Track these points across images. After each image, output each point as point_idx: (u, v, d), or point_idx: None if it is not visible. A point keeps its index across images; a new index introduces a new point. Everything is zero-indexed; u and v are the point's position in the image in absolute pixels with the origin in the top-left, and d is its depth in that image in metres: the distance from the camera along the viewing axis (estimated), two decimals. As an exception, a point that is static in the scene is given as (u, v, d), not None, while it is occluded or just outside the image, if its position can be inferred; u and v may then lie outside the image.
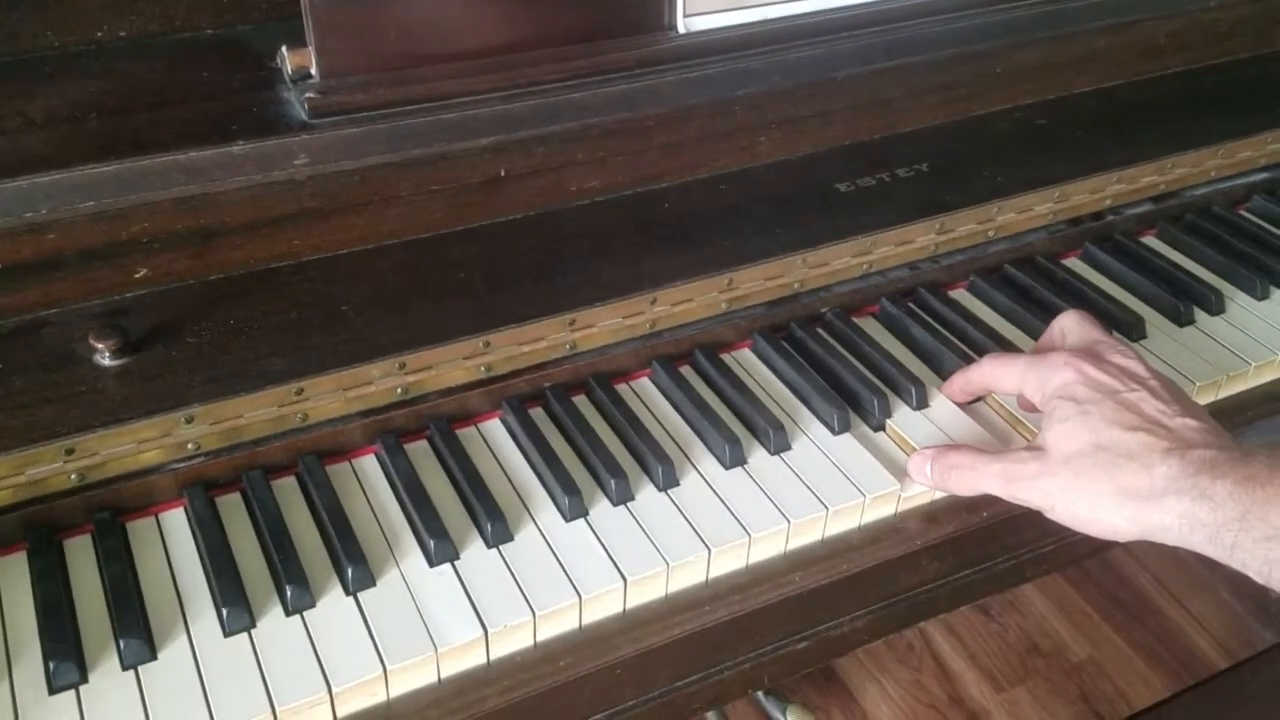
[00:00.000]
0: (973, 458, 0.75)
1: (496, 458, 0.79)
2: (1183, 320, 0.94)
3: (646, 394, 0.85)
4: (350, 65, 0.79)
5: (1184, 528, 0.66)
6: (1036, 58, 1.03)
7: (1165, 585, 1.77)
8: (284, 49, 0.79)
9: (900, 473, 0.78)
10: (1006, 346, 0.89)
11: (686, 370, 0.86)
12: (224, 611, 0.66)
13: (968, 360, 0.86)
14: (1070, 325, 0.81)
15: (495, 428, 0.81)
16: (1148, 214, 1.05)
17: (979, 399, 0.86)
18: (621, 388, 0.84)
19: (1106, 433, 0.70)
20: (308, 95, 0.78)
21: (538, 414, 0.81)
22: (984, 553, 0.83)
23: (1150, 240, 1.05)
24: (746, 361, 0.88)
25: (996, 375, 0.80)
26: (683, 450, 0.80)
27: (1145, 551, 1.79)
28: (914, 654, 1.65)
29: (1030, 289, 0.97)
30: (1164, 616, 1.73)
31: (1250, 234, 1.05)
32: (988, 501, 0.79)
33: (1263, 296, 0.98)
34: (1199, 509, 0.66)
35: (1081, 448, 0.70)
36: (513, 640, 0.68)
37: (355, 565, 0.68)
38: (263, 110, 0.79)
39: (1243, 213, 1.10)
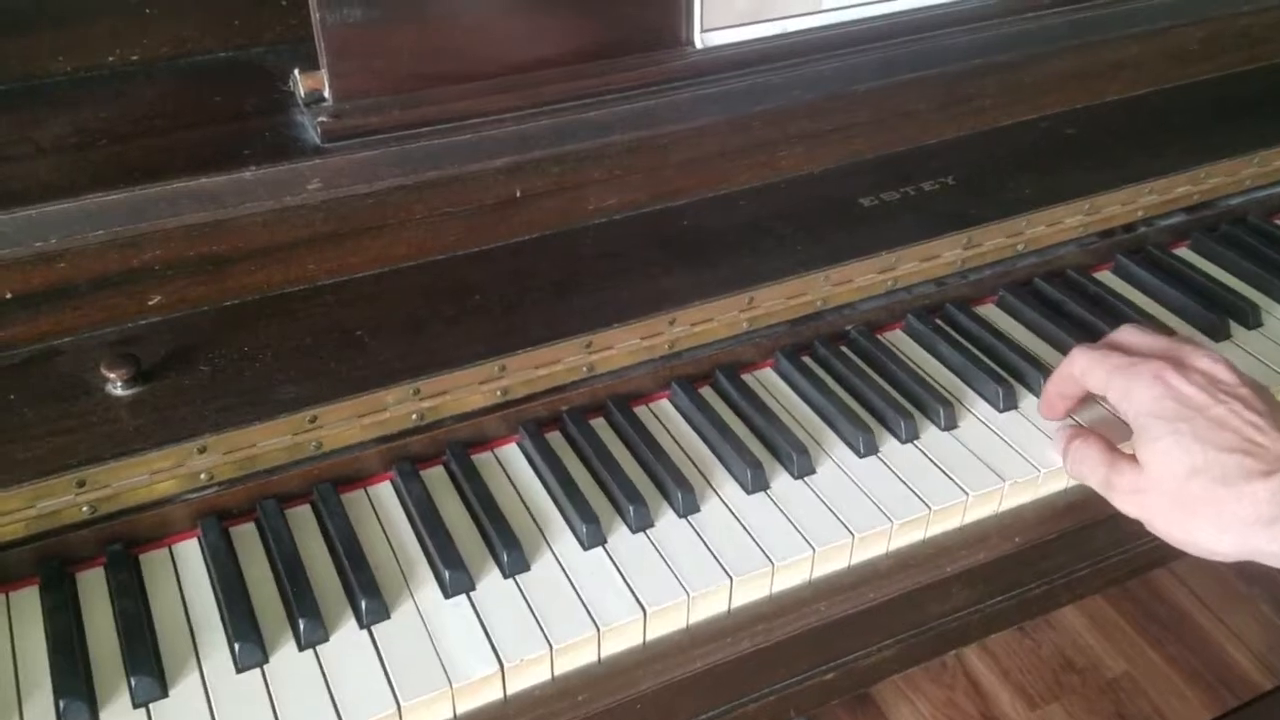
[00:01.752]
0: (1089, 454, 0.74)
1: (513, 483, 0.77)
2: (1218, 335, 0.92)
3: (666, 416, 0.83)
4: (363, 87, 0.78)
5: None
6: (1065, 67, 1.01)
7: (1203, 600, 1.73)
8: (297, 72, 0.78)
9: (926, 496, 0.76)
10: (1037, 363, 0.87)
11: (707, 391, 0.85)
12: (236, 646, 0.65)
13: (997, 379, 0.84)
14: (1132, 337, 0.76)
15: (512, 452, 0.80)
16: (1181, 225, 1.02)
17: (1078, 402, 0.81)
18: (640, 410, 0.83)
19: (1201, 455, 0.67)
20: (321, 118, 0.77)
21: (555, 438, 0.80)
22: (1016, 579, 0.80)
23: (1184, 252, 1.02)
24: (769, 382, 0.86)
25: (1085, 371, 0.76)
26: (703, 474, 0.78)
27: (1183, 566, 1.75)
28: (947, 672, 1.63)
29: (1061, 303, 0.94)
30: (1202, 632, 1.69)
31: (1288, 244, 1.03)
32: (1021, 527, 0.77)
33: (1302, 309, 0.95)
34: None
35: (1177, 471, 0.68)
36: (530, 674, 0.66)
37: (369, 598, 0.67)
38: (275, 134, 0.78)
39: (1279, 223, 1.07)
